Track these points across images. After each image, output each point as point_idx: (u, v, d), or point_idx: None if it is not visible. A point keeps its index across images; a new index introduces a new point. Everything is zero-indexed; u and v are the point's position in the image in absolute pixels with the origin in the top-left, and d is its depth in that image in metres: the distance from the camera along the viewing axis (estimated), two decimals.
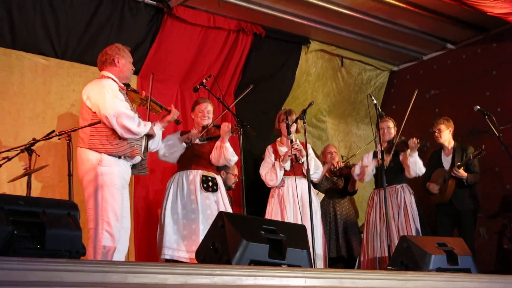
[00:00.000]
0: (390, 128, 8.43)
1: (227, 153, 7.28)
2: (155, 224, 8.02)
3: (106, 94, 6.05)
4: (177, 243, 7.04)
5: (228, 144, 7.31)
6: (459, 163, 8.48)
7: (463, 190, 8.56)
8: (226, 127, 7.24)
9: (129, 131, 6.07)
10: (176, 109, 6.75)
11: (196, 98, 8.79)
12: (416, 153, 8.15)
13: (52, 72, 7.99)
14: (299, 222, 7.54)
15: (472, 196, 8.64)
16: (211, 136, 7.39)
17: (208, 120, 7.46)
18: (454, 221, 8.64)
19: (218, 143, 7.34)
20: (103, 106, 6.01)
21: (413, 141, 8.03)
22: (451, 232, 8.65)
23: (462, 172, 8.45)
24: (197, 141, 7.40)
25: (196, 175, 7.28)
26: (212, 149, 7.38)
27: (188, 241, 7.03)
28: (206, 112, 7.46)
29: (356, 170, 8.65)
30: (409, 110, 8.00)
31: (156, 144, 6.73)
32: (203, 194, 7.20)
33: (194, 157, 7.37)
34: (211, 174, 7.38)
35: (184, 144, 7.35)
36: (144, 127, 6.22)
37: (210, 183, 7.28)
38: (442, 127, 8.70)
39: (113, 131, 6.05)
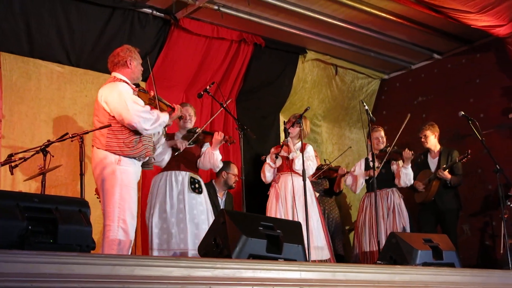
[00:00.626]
0: (383, 137, 8.44)
1: (216, 161, 7.21)
2: None
3: (127, 102, 5.91)
4: (167, 242, 6.99)
5: (217, 152, 7.24)
6: (444, 166, 8.49)
7: (446, 190, 8.60)
8: (219, 136, 7.16)
9: (150, 129, 6.02)
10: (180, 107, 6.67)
11: (200, 104, 8.83)
12: (410, 165, 8.15)
13: (66, 79, 8.02)
14: (292, 217, 7.59)
15: (455, 196, 8.67)
16: (199, 140, 7.32)
17: (190, 123, 7.38)
18: (438, 219, 8.67)
19: (207, 149, 7.27)
20: (127, 114, 5.87)
21: (408, 153, 8.02)
22: (435, 230, 8.65)
23: (446, 174, 8.49)
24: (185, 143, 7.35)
25: (184, 176, 7.18)
26: (199, 153, 7.33)
27: (176, 239, 6.95)
28: (188, 115, 7.36)
29: (348, 181, 8.68)
30: (400, 131, 8.12)
31: (162, 141, 6.74)
32: (190, 194, 7.11)
33: (183, 159, 7.24)
34: (197, 176, 7.32)
35: (170, 148, 7.30)
36: (159, 125, 6.13)
37: (197, 185, 7.21)
38: (428, 133, 8.74)
39: (130, 135, 5.95)
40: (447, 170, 8.48)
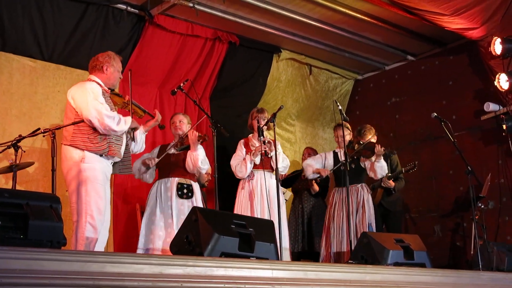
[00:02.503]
0: (345, 136, 8.42)
1: (196, 162, 7.24)
2: (133, 218, 8.03)
3: (88, 97, 5.99)
4: (153, 242, 7.03)
5: (197, 153, 7.27)
6: (389, 174, 8.58)
7: (391, 194, 8.82)
8: (192, 135, 7.22)
9: (110, 129, 6.01)
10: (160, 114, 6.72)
11: (174, 101, 8.82)
12: (382, 158, 8.18)
13: (39, 74, 7.94)
14: (267, 216, 7.59)
15: (399, 198, 8.95)
16: (186, 145, 7.37)
17: (182, 130, 7.50)
18: (383, 220, 8.84)
19: (188, 152, 7.32)
20: (85, 109, 5.96)
21: (379, 149, 8.05)
22: (381, 230, 8.74)
23: (391, 183, 8.67)
24: (172, 150, 7.39)
25: (173, 182, 7.29)
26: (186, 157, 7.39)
27: (161, 241, 7.05)
28: (178, 122, 7.50)
29: (311, 175, 8.66)
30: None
31: (139, 147, 6.65)
32: (178, 200, 7.21)
33: (172, 165, 7.38)
34: (188, 181, 7.37)
35: (146, 167, 7.42)
36: (124, 124, 6.15)
37: (185, 190, 7.27)
38: (369, 136, 8.61)
39: (95, 130, 6.01)
40: (392, 179, 8.60)
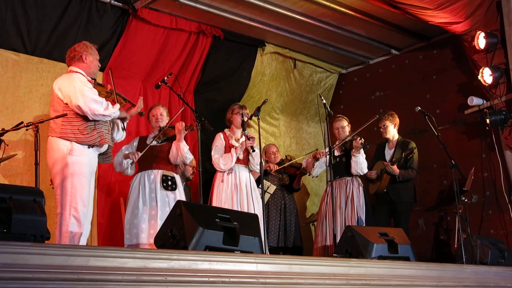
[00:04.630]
0: (344, 127, 8.51)
1: (183, 152, 7.31)
2: (117, 211, 8.04)
3: (75, 85, 6.04)
4: (136, 237, 7.05)
5: (184, 143, 7.33)
6: (393, 159, 8.55)
7: (401, 182, 8.61)
8: (180, 125, 7.26)
9: (99, 114, 6.07)
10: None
11: (158, 94, 8.80)
12: (360, 153, 8.20)
13: (21, 67, 7.89)
14: (248, 210, 7.63)
15: (409, 189, 8.70)
16: (168, 136, 7.39)
17: (162, 122, 7.52)
18: (391, 210, 8.70)
19: (173, 142, 7.35)
20: (74, 96, 6.00)
21: (357, 141, 8.08)
22: (388, 221, 8.72)
23: (394, 168, 8.50)
24: (154, 142, 7.38)
25: (157, 174, 7.32)
26: (170, 149, 7.40)
27: (145, 234, 7.06)
28: (159, 115, 7.54)
29: (304, 163, 8.78)
30: (362, 128, 8.32)
31: (120, 136, 6.68)
32: (162, 192, 7.24)
33: (155, 157, 7.40)
34: (171, 173, 7.43)
35: (129, 159, 7.39)
36: (113, 109, 6.21)
37: (170, 182, 7.33)
38: (387, 123, 8.72)
39: (84, 121, 6.06)
40: (395, 164, 8.53)
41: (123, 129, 6.59)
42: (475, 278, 6.47)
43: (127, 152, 7.44)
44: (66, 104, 6.07)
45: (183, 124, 7.28)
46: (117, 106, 6.31)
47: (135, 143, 7.59)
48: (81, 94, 5.99)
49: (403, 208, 8.61)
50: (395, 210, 8.64)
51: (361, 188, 8.33)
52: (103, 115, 6.11)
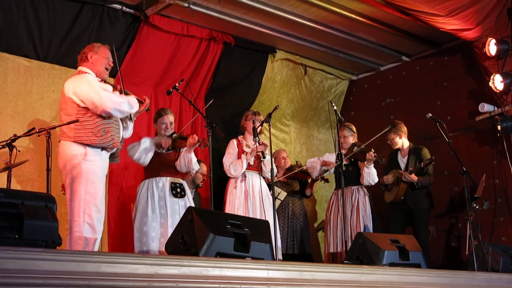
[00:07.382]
0: (347, 137, 8.48)
1: (191, 163, 7.30)
2: (128, 217, 8.02)
3: (97, 89, 6.05)
4: (147, 245, 7.02)
5: (192, 155, 7.31)
6: (411, 169, 8.49)
7: (416, 190, 8.56)
8: (192, 139, 7.20)
9: (125, 110, 6.23)
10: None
11: (169, 101, 8.80)
12: (372, 165, 8.19)
13: (33, 74, 7.93)
14: (261, 216, 7.62)
15: (426, 195, 8.65)
16: (175, 146, 7.37)
17: (171, 131, 7.47)
18: (408, 218, 8.64)
19: (183, 152, 7.33)
20: (100, 101, 6.01)
21: (370, 154, 8.03)
22: (403, 229, 8.67)
23: (412, 177, 8.44)
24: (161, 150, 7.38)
25: (165, 182, 7.29)
26: (177, 157, 7.39)
27: (156, 242, 7.04)
28: (169, 124, 7.46)
29: (308, 163, 8.81)
30: (373, 138, 8.25)
31: (129, 133, 6.67)
32: (172, 200, 7.21)
33: (162, 165, 7.36)
34: (179, 180, 7.42)
35: (154, 147, 7.34)
36: (134, 101, 6.33)
37: (179, 189, 7.31)
38: (392, 135, 8.69)
39: (97, 124, 6.04)
40: (413, 173, 8.48)
41: (131, 120, 6.57)
42: (487, 286, 6.42)
43: (160, 140, 7.35)
44: (82, 108, 6.04)
45: (196, 138, 7.22)
46: (133, 98, 6.35)
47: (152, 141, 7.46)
48: (106, 97, 6.03)
49: (421, 215, 8.56)
50: (413, 218, 8.59)
51: (367, 198, 8.33)
52: (130, 106, 6.24)
